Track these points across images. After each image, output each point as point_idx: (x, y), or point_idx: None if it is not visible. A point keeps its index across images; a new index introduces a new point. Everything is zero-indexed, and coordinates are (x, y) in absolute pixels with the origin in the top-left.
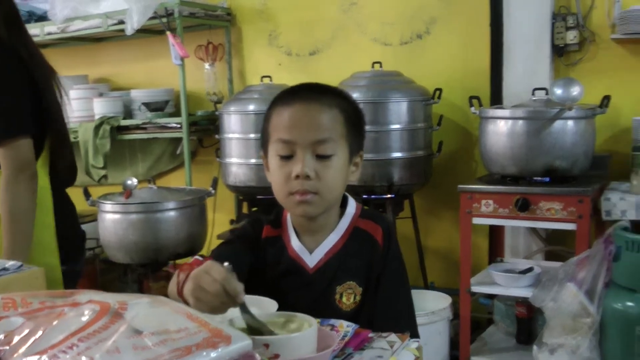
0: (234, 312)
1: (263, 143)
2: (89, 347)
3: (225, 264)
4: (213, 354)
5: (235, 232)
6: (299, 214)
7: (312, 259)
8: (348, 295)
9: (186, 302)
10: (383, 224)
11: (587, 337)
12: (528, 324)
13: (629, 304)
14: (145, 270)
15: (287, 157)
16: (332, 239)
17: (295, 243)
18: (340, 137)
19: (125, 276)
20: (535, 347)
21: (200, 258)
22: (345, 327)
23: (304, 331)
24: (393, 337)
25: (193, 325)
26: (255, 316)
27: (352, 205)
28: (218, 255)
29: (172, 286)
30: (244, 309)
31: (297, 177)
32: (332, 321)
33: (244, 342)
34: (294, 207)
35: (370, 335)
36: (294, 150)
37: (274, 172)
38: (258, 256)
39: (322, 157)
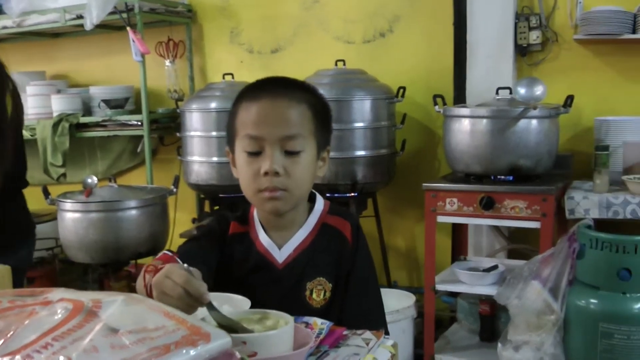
0: (206, 312)
1: (229, 139)
2: (65, 346)
3: (185, 265)
4: (192, 352)
5: (202, 229)
6: (268, 211)
7: (281, 255)
8: (318, 291)
9: None
10: (352, 221)
11: (551, 333)
12: (491, 321)
13: (592, 301)
14: (106, 270)
15: (255, 154)
16: (300, 235)
17: (263, 238)
18: (309, 133)
19: (85, 276)
20: (499, 345)
21: (169, 252)
22: (320, 324)
23: (281, 328)
24: (368, 334)
25: (171, 323)
26: (224, 314)
27: (320, 202)
28: (185, 252)
29: (140, 287)
30: (211, 307)
31: (266, 173)
32: (306, 319)
33: (223, 340)
34: (263, 203)
35: (345, 332)
36: (262, 146)
37: (242, 169)
38: (225, 253)
39: (290, 153)
